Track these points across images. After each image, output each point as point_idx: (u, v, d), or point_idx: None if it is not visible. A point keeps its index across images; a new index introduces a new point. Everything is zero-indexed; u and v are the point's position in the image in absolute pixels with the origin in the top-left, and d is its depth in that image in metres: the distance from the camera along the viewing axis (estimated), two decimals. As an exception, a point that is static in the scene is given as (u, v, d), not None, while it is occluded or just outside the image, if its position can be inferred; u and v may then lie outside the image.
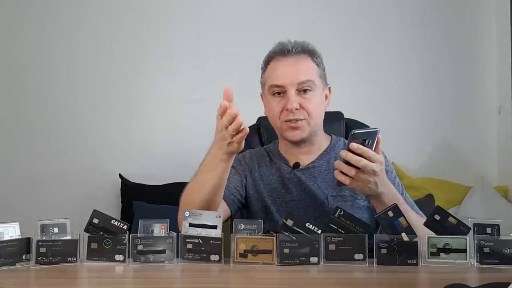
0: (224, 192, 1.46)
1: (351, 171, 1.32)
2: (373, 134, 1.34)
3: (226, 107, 1.32)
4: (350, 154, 1.31)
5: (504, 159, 3.02)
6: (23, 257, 1.27)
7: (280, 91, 1.55)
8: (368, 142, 1.33)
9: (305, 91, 1.54)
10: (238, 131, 1.32)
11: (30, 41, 3.00)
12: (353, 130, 1.33)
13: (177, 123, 3.02)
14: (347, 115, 1.88)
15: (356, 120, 1.90)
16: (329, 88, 1.63)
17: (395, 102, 3.07)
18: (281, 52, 1.57)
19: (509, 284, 0.89)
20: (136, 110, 3.03)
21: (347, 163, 1.32)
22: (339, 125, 1.82)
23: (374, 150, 1.34)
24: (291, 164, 1.61)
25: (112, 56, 3.02)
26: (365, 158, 1.31)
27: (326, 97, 1.62)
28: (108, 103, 3.01)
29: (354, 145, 1.31)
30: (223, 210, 1.52)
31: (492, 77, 3.11)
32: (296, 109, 1.52)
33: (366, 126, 1.88)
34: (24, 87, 3.00)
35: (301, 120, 1.54)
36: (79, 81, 3.01)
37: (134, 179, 2.92)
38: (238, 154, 1.72)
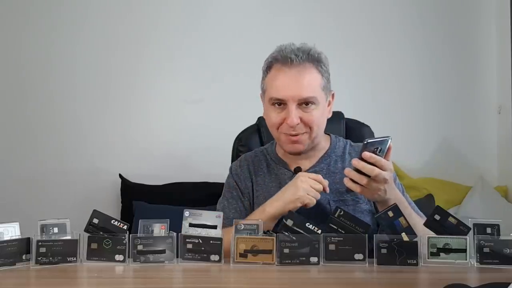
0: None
1: (363, 180, 1.32)
2: (385, 142, 1.34)
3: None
4: (362, 163, 1.31)
5: (504, 159, 3.02)
6: (23, 257, 1.27)
7: (280, 103, 1.49)
8: (380, 150, 1.33)
9: (306, 104, 1.48)
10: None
11: (30, 41, 3.00)
12: (366, 139, 1.33)
13: (177, 123, 3.02)
14: (347, 115, 1.87)
15: (356, 120, 1.90)
16: (333, 94, 1.57)
17: (395, 102, 3.07)
18: (283, 61, 1.48)
19: (509, 284, 0.89)
20: (136, 110, 3.03)
21: (358, 171, 1.32)
22: (339, 125, 1.82)
23: (385, 157, 1.34)
24: (292, 167, 1.58)
25: (112, 56, 3.02)
26: (377, 167, 1.31)
27: (329, 103, 1.56)
28: (108, 103, 3.01)
29: (367, 154, 1.31)
30: None
31: (492, 77, 3.11)
32: (297, 124, 1.47)
33: (366, 126, 1.88)
34: (24, 87, 3.00)
35: (301, 134, 1.50)
36: (79, 81, 3.01)
37: (134, 179, 2.92)
38: (233, 163, 1.71)
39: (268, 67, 1.53)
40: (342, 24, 3.07)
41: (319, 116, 1.50)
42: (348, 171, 1.35)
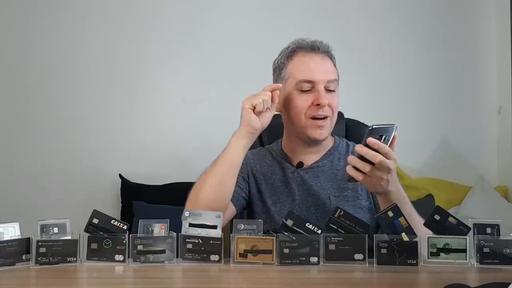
0: None
1: (366, 167, 1.29)
2: (390, 130, 1.31)
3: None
4: (366, 149, 1.28)
5: (504, 159, 3.02)
6: (23, 257, 1.27)
7: (309, 88, 1.52)
8: (385, 138, 1.30)
9: (330, 89, 1.54)
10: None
11: (31, 40, 3.00)
12: (371, 125, 1.30)
13: (177, 123, 3.02)
14: (347, 115, 1.88)
15: (356, 120, 1.90)
16: None
17: (395, 102, 3.07)
18: (311, 48, 1.56)
19: (509, 284, 0.89)
20: (136, 110, 3.03)
21: (362, 158, 1.30)
22: (339, 125, 1.81)
23: (390, 147, 1.31)
24: (295, 163, 1.60)
25: (112, 56, 3.02)
26: (381, 154, 1.28)
27: None
28: (108, 103, 3.01)
29: (371, 140, 1.27)
30: (229, 209, 1.52)
31: (492, 77, 3.11)
32: (327, 104, 1.52)
33: (366, 126, 1.88)
34: (24, 87, 3.00)
35: (327, 117, 1.53)
36: (79, 81, 3.01)
37: (134, 179, 2.92)
38: None
39: (289, 56, 1.57)
40: (342, 24, 3.07)
41: (337, 102, 1.57)
42: (351, 158, 1.32)
